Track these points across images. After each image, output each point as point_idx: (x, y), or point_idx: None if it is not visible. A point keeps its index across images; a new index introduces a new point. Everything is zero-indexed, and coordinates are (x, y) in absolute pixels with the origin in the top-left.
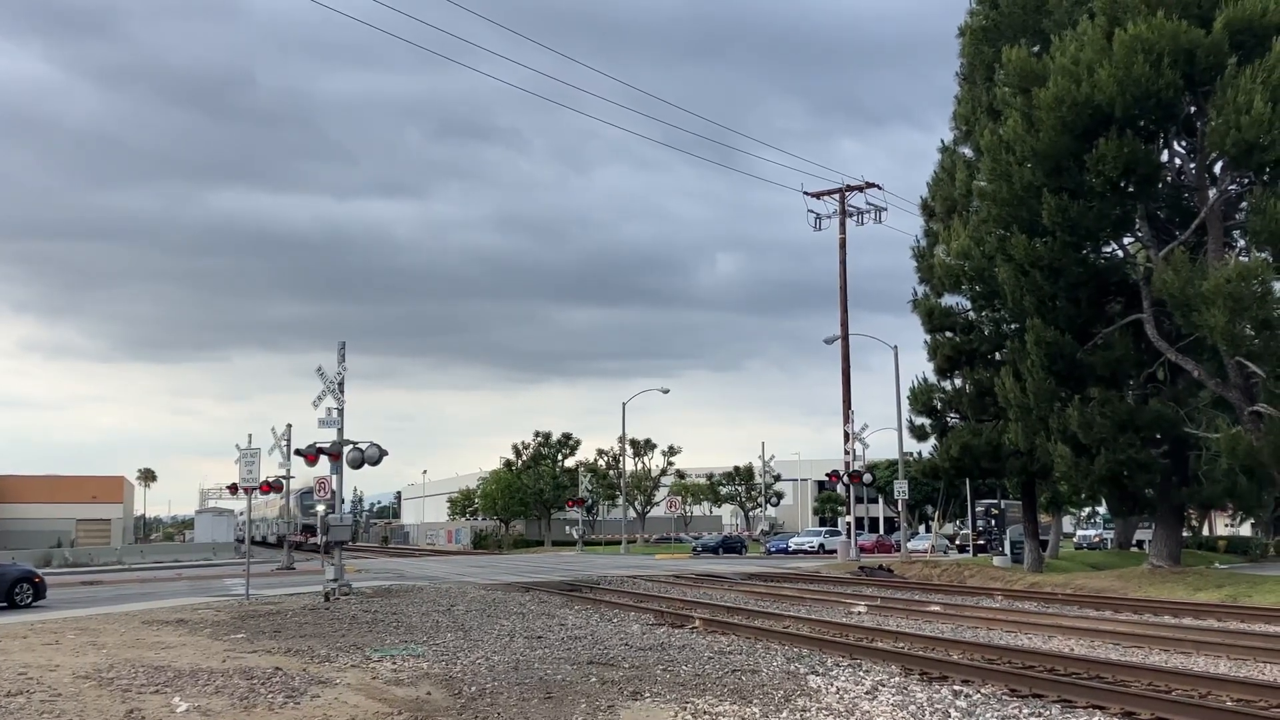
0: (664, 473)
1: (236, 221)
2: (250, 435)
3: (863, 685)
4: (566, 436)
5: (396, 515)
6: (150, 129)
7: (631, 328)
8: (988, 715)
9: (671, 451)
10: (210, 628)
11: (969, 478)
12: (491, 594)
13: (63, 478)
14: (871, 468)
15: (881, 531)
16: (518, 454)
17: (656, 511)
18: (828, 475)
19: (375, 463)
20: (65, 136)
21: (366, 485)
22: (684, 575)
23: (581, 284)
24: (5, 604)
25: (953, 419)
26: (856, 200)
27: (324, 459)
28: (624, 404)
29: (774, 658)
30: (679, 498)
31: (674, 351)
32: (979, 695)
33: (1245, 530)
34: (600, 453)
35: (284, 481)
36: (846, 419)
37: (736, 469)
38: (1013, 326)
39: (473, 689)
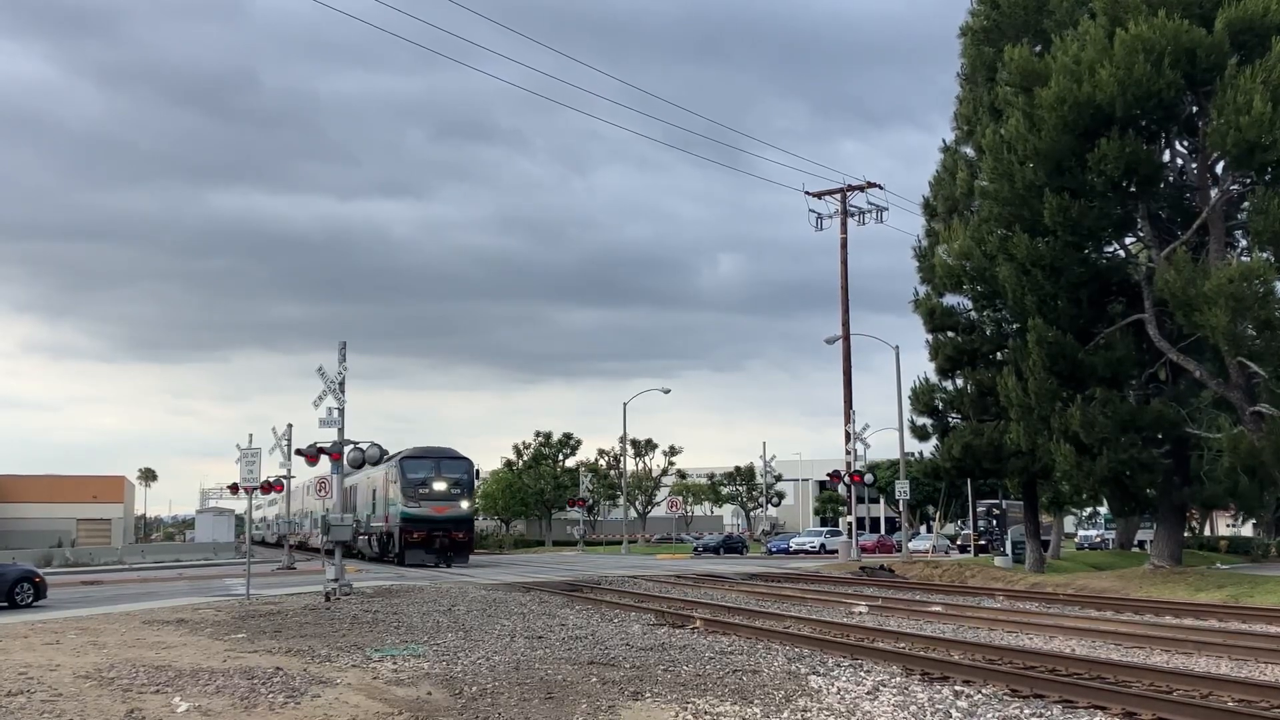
0: (665, 473)
1: (237, 222)
2: (251, 435)
3: (864, 685)
4: (567, 436)
5: None
6: (151, 129)
7: (632, 328)
8: (989, 715)
9: (672, 452)
10: (211, 627)
11: (970, 478)
12: (492, 594)
13: (63, 478)
14: (873, 468)
15: (883, 531)
16: (518, 454)
17: (657, 511)
18: (829, 475)
19: (376, 463)
20: (66, 137)
21: None
22: (685, 575)
23: (582, 284)
24: (6, 604)
25: (954, 419)
26: (858, 200)
27: (324, 459)
28: (625, 404)
29: (775, 658)
30: (680, 498)
31: (675, 352)
32: (980, 695)
33: (1247, 530)
34: (601, 453)
35: (285, 481)
36: (848, 419)
37: (737, 469)
38: (1014, 326)
39: (473, 689)
